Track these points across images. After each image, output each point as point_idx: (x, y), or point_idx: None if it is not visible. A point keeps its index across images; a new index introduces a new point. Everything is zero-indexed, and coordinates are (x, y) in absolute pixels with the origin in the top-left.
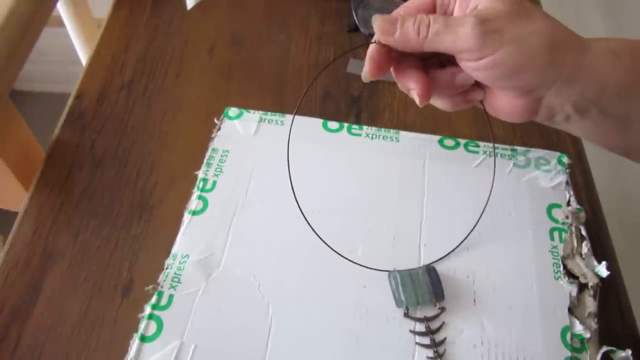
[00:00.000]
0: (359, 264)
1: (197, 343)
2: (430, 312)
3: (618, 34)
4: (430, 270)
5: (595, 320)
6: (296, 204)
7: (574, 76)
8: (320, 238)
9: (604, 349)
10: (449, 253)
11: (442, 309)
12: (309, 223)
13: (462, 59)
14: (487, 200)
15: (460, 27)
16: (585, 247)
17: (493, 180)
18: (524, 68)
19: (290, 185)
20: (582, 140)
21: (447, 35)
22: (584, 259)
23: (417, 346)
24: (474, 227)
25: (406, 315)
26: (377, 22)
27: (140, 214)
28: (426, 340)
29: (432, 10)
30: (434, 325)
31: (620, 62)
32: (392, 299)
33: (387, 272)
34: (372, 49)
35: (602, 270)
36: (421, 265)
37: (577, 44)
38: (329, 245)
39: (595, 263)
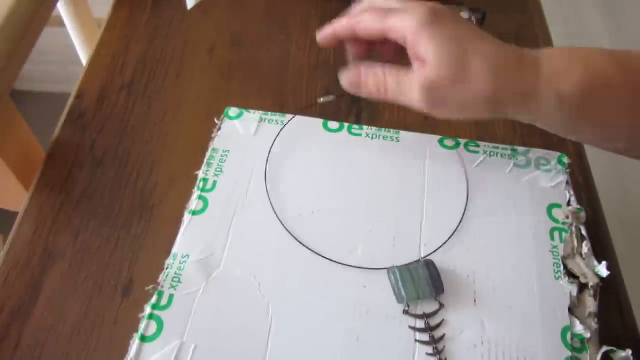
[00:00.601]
0: (353, 266)
1: (198, 343)
2: (430, 308)
3: (618, 32)
4: (429, 264)
5: (596, 320)
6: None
7: (519, 116)
8: (299, 241)
9: (604, 349)
10: (444, 243)
11: (442, 306)
12: (287, 229)
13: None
14: (467, 194)
15: (410, 92)
16: (585, 247)
17: (467, 176)
18: (468, 118)
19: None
20: None
21: (401, 96)
22: (584, 259)
23: (417, 346)
24: (462, 216)
25: (406, 312)
26: (344, 81)
27: (140, 214)
28: (425, 337)
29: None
30: (434, 322)
31: (564, 106)
32: (393, 299)
33: (387, 269)
34: (339, 29)
35: (603, 270)
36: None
37: (521, 94)
38: (314, 250)
39: (596, 263)
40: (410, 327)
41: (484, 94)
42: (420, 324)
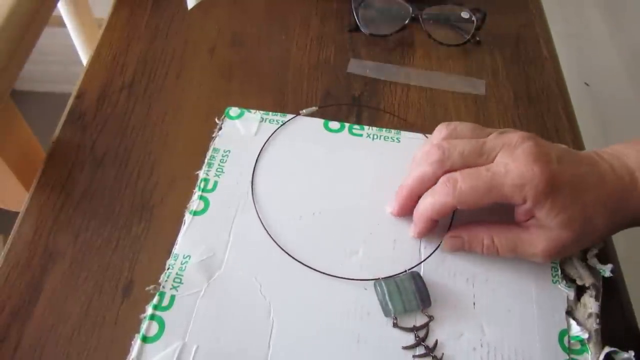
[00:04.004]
0: (344, 278)
1: (199, 344)
2: (420, 320)
3: (619, 33)
4: (414, 277)
5: (598, 321)
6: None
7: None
8: (286, 251)
9: (607, 349)
10: (433, 251)
11: (431, 318)
12: (275, 241)
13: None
14: None
15: (528, 253)
16: (592, 252)
17: None
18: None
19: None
20: (583, 141)
21: (517, 255)
22: (583, 261)
23: (417, 348)
24: (450, 226)
25: (395, 325)
26: (446, 247)
27: (141, 214)
28: (421, 350)
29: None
30: (424, 332)
31: None
32: None
33: (373, 282)
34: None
35: (607, 272)
36: (413, 267)
37: (632, 218)
38: (295, 258)
39: (599, 265)
40: (404, 348)
41: (602, 238)
42: (410, 337)
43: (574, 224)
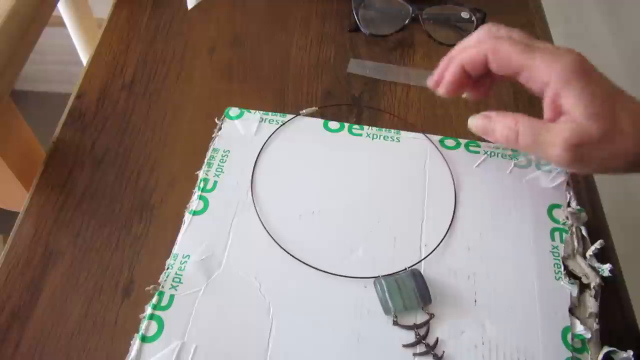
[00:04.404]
0: (345, 276)
1: (198, 343)
2: (420, 318)
3: (619, 33)
4: (415, 274)
5: (597, 320)
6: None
7: None
8: (285, 250)
9: (606, 349)
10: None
11: (432, 316)
12: (274, 239)
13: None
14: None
15: (549, 146)
16: (591, 250)
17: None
18: (607, 174)
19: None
20: None
21: (536, 147)
22: (585, 259)
23: (418, 346)
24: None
25: (395, 323)
26: (471, 125)
27: (141, 214)
28: (422, 348)
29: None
30: (425, 330)
31: None
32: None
33: (373, 280)
34: (452, 73)
35: (606, 271)
36: (412, 267)
37: None
38: (299, 259)
39: (597, 264)
40: (404, 346)
41: (628, 153)
42: (411, 335)
43: (604, 118)
